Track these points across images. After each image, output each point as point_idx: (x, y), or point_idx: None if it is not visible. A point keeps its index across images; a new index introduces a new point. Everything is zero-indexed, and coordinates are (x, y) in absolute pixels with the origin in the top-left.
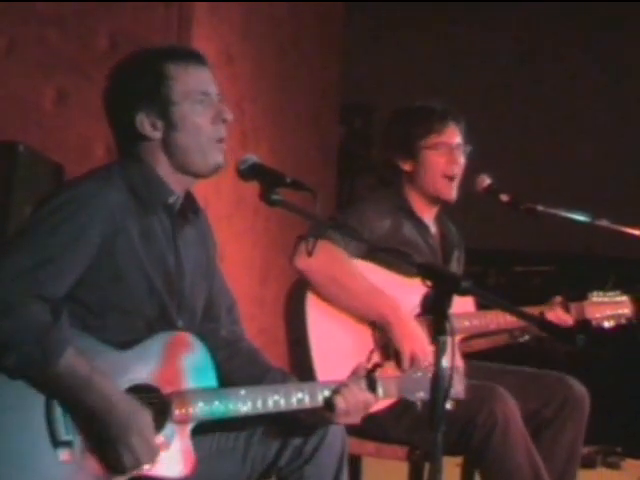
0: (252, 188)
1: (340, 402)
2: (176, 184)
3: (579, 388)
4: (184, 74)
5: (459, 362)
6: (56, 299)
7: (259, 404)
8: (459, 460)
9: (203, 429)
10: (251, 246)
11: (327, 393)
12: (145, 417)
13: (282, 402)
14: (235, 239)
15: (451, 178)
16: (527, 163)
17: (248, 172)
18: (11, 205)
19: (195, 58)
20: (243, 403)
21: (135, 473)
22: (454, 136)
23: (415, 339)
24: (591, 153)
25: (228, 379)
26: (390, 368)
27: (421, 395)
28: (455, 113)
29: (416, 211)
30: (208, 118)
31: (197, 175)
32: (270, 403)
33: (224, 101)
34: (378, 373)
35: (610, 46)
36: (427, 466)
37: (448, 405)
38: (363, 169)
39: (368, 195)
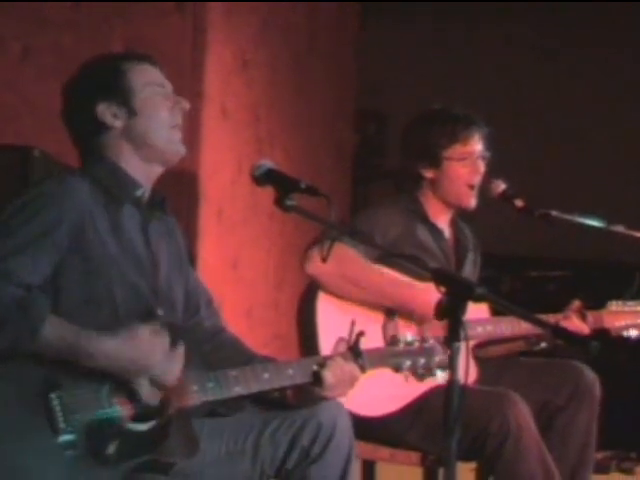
0: (267, 193)
1: (328, 376)
2: (141, 176)
3: (589, 374)
4: (140, 69)
5: (473, 369)
6: (30, 287)
7: (252, 383)
8: (473, 465)
9: (210, 433)
10: (266, 251)
11: (315, 367)
12: (148, 339)
13: (273, 379)
14: (250, 244)
15: (473, 187)
16: (543, 168)
17: (263, 177)
18: None
19: (148, 59)
20: (236, 382)
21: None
22: (477, 145)
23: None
24: (608, 158)
25: (216, 369)
26: None
27: (408, 365)
28: (478, 120)
29: (430, 216)
30: (167, 106)
31: (159, 160)
32: (262, 380)
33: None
34: (362, 343)
35: (623, 46)
36: (441, 471)
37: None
38: (377, 175)
39: (381, 200)
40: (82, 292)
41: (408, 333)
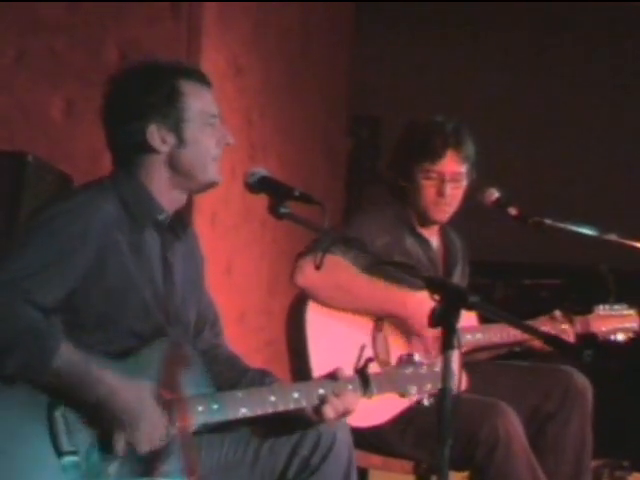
0: (260, 200)
1: (329, 412)
2: (167, 201)
3: (580, 378)
4: (198, 94)
5: (464, 379)
6: (46, 308)
7: (257, 405)
8: (465, 474)
9: (210, 444)
10: (259, 258)
11: (322, 392)
12: (147, 394)
13: (279, 402)
14: (243, 251)
15: (439, 204)
16: (535, 176)
17: (257, 185)
18: (19, 215)
19: (206, 80)
20: (241, 404)
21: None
22: (450, 166)
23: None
24: (601, 166)
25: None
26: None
27: (414, 390)
28: (460, 139)
29: (416, 226)
30: (214, 140)
31: (193, 190)
32: (268, 403)
33: (224, 123)
34: (370, 369)
35: (622, 54)
36: (434, 479)
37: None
38: (371, 180)
39: (370, 207)
40: (99, 313)
41: (416, 354)
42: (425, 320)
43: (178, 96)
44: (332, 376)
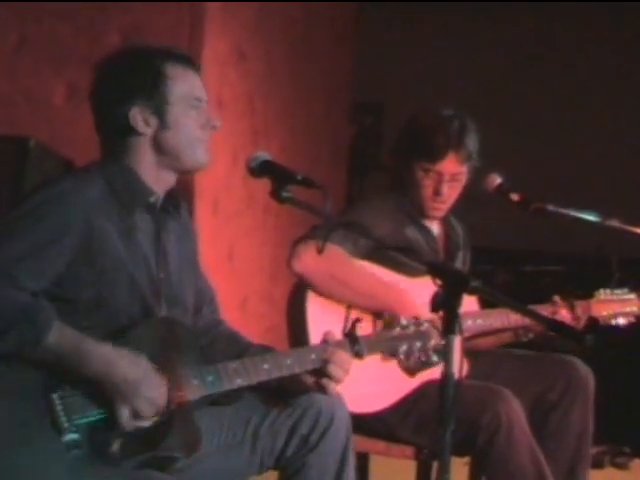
0: (263, 185)
1: (336, 371)
2: (157, 183)
3: (582, 368)
4: (183, 77)
5: (464, 364)
6: (35, 293)
7: (251, 374)
8: (467, 459)
9: (210, 424)
10: (261, 243)
11: (313, 356)
12: (144, 362)
13: (273, 370)
14: (245, 236)
15: (435, 201)
16: (538, 162)
17: (259, 169)
18: None
19: (191, 63)
20: (236, 375)
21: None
22: (449, 167)
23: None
24: (603, 152)
25: (212, 363)
26: None
27: (404, 349)
28: (463, 139)
29: (417, 214)
30: (198, 123)
31: (179, 170)
32: (262, 371)
33: (211, 107)
34: (359, 329)
35: (621, 41)
36: (435, 464)
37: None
38: (374, 167)
39: (371, 195)
40: (89, 295)
41: (402, 317)
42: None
43: (162, 79)
44: (323, 340)
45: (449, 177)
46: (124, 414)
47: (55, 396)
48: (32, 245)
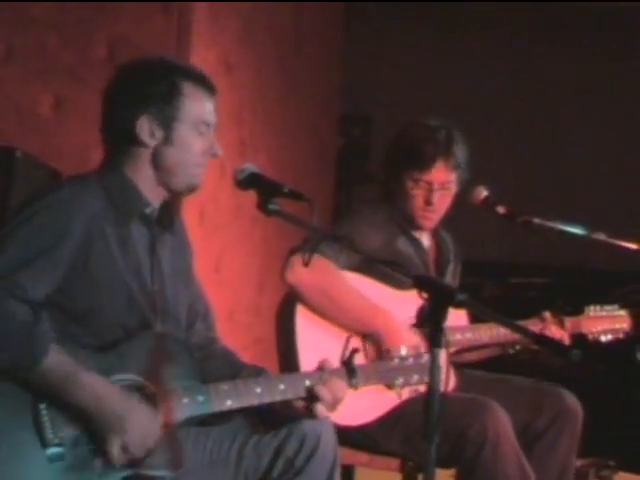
0: (250, 197)
1: (326, 394)
2: (153, 195)
3: (572, 401)
4: (197, 98)
5: (452, 378)
6: (34, 302)
7: (243, 397)
8: (452, 471)
9: (195, 440)
10: (249, 255)
11: (308, 383)
12: (138, 409)
13: (265, 394)
14: (233, 248)
15: (425, 211)
16: (524, 175)
17: (246, 181)
18: (8, 211)
19: (210, 87)
20: (227, 396)
21: (129, 463)
22: (439, 175)
23: (410, 347)
24: (590, 165)
25: (203, 381)
26: None
27: (401, 381)
28: (451, 148)
29: (407, 226)
30: (202, 148)
31: (170, 190)
32: (254, 395)
33: (216, 135)
34: (356, 360)
35: (609, 52)
36: (420, 476)
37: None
38: (361, 179)
39: (362, 207)
40: (85, 304)
41: (403, 347)
42: (397, 341)
43: (176, 95)
44: (319, 368)
45: (439, 186)
46: (114, 449)
47: (42, 406)
48: (32, 254)
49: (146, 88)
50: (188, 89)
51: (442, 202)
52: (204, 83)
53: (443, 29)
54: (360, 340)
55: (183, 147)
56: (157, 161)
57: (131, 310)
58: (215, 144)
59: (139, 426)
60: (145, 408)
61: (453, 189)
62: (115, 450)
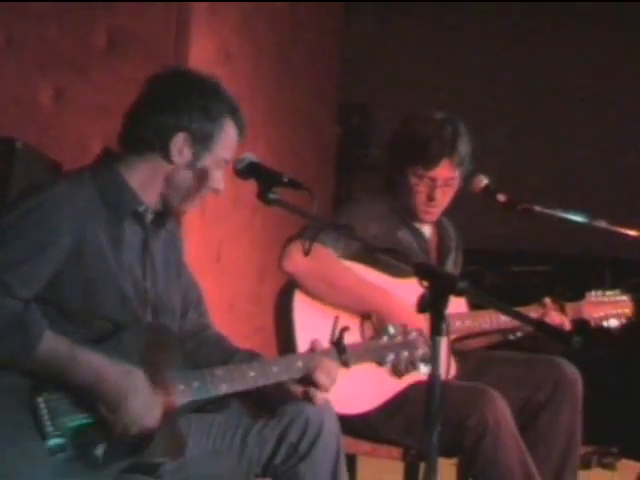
0: (250, 186)
1: (323, 379)
2: (150, 200)
3: (570, 369)
4: (230, 138)
5: (453, 365)
6: (26, 300)
7: (237, 381)
8: (454, 460)
9: (198, 428)
10: (249, 244)
11: (300, 364)
12: (137, 376)
13: (259, 377)
14: (233, 237)
15: (427, 206)
16: (524, 163)
17: (245, 171)
18: (7, 202)
19: (244, 131)
20: (222, 381)
21: (138, 433)
22: (443, 173)
23: (413, 320)
24: (590, 153)
25: (197, 368)
26: None
27: (391, 358)
28: (456, 145)
29: (408, 216)
30: (215, 182)
31: (167, 207)
32: (248, 379)
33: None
34: (345, 339)
35: (610, 43)
36: (422, 465)
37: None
38: (360, 168)
39: (363, 197)
40: (77, 302)
41: (390, 325)
42: (406, 321)
43: (218, 127)
44: (310, 350)
45: (442, 182)
46: (116, 427)
47: (40, 400)
48: (25, 251)
49: (195, 107)
50: (229, 126)
51: (445, 198)
52: (242, 123)
53: (441, 16)
54: (358, 322)
55: (201, 176)
56: (171, 178)
57: (123, 308)
58: (222, 179)
59: (140, 403)
60: (147, 385)
61: (456, 185)
62: (119, 425)
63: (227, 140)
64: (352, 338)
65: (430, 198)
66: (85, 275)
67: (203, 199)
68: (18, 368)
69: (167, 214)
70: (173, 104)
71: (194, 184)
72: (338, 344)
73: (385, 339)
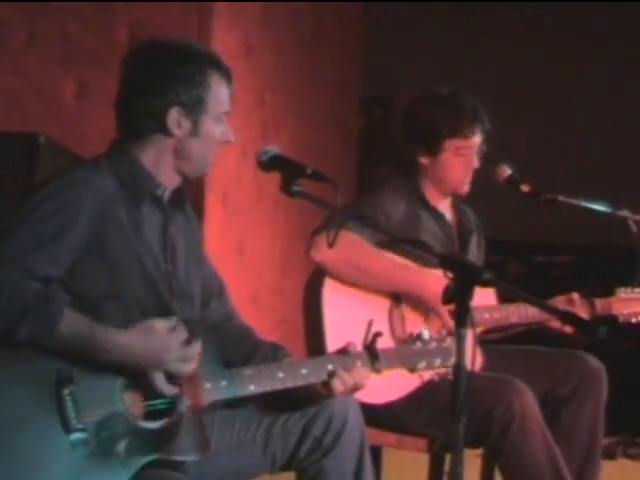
0: (273, 179)
1: (338, 386)
2: (166, 179)
3: (595, 363)
4: (220, 89)
5: (478, 357)
6: (48, 281)
7: (266, 382)
8: (479, 451)
9: (223, 422)
10: (272, 237)
11: (330, 367)
12: (161, 332)
13: (288, 379)
14: (256, 230)
15: (465, 178)
16: (548, 152)
17: (269, 163)
18: None
19: (229, 75)
20: (250, 381)
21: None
22: (477, 140)
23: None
24: (614, 143)
25: (223, 356)
26: None
27: (423, 365)
28: (482, 113)
29: (430, 200)
30: (222, 137)
31: (184, 176)
32: (276, 380)
33: (232, 118)
34: (379, 343)
35: (631, 31)
36: (448, 457)
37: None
38: (383, 160)
39: (383, 184)
40: (102, 287)
41: (425, 330)
42: (440, 296)
43: (206, 88)
44: (342, 351)
45: (478, 150)
46: (159, 382)
47: (66, 392)
48: (47, 234)
49: (177, 79)
50: (214, 79)
51: (475, 168)
52: (225, 70)
53: (464, 8)
54: (388, 307)
55: (208, 139)
56: (180, 151)
57: (148, 291)
58: (230, 131)
59: (173, 351)
60: (171, 334)
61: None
62: (161, 382)
63: (218, 94)
64: (381, 324)
65: (470, 167)
66: (109, 259)
67: (216, 156)
68: (42, 348)
69: (184, 192)
70: (156, 84)
71: (204, 148)
72: (371, 349)
73: (418, 344)
